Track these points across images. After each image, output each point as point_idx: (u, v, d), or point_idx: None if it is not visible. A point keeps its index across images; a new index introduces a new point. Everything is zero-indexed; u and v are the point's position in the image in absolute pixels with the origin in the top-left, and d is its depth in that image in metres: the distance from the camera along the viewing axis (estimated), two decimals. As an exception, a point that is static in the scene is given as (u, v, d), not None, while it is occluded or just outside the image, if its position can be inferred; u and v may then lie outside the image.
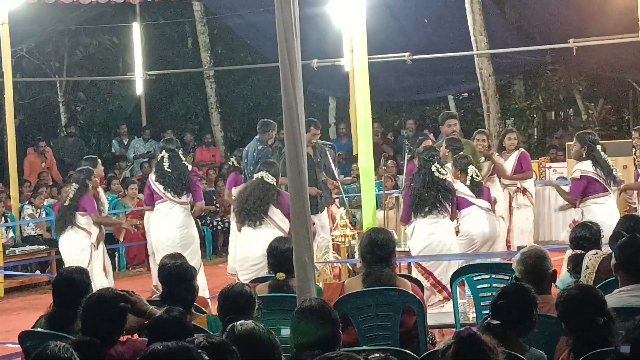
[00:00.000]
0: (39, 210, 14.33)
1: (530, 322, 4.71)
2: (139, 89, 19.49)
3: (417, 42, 17.97)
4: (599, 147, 9.89)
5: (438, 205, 9.24)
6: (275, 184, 9.76)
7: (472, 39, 16.82)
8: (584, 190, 9.73)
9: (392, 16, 17.62)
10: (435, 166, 9.34)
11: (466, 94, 21.15)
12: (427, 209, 9.22)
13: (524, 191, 11.87)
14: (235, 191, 11.34)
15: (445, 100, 20.65)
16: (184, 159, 11.05)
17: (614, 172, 9.85)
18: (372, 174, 9.39)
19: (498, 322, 4.59)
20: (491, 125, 17.15)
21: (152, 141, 19.90)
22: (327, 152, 11.63)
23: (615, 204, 10.00)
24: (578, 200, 9.84)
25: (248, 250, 9.65)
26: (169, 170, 10.80)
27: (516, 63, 18.46)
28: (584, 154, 9.85)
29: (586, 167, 9.77)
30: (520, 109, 18.92)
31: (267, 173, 9.75)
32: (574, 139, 10.30)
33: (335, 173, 11.52)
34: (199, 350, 3.52)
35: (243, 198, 9.81)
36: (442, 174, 9.35)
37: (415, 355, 4.96)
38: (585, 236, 6.97)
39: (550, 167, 14.20)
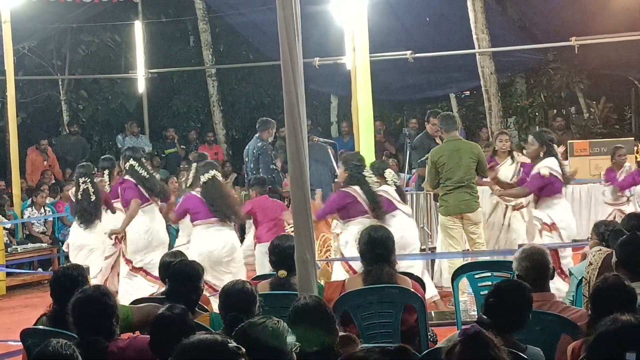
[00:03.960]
0: (42, 209, 14.32)
1: (524, 319, 4.68)
2: (141, 87, 19.53)
3: (418, 40, 17.98)
4: (556, 147, 9.83)
5: None
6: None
7: (474, 37, 16.83)
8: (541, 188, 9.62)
9: (394, 14, 17.61)
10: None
11: (468, 92, 21.13)
12: None
13: None
14: None
15: (447, 98, 20.64)
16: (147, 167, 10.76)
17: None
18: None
19: (489, 319, 4.58)
20: (493, 124, 17.18)
21: (142, 136, 19.95)
22: (329, 150, 11.66)
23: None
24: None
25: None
26: (146, 175, 10.48)
27: (518, 61, 18.45)
28: (541, 154, 9.67)
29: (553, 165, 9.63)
30: (522, 107, 18.91)
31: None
32: (531, 137, 10.00)
33: (337, 171, 11.54)
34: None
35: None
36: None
37: (416, 353, 4.96)
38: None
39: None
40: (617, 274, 5.12)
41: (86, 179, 10.66)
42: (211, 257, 9.42)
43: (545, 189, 9.58)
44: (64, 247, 11.57)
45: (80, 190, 10.66)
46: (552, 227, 9.45)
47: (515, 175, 10.97)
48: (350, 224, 9.19)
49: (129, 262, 10.36)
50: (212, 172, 9.68)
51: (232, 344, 3.49)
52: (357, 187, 9.14)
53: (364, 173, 9.20)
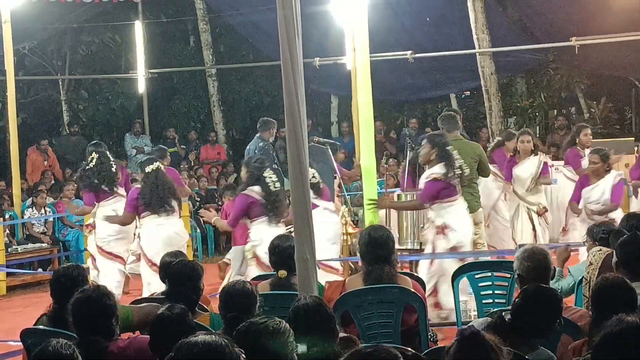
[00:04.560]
0: (43, 209, 14.30)
1: (548, 327, 4.65)
2: (141, 87, 19.53)
3: (419, 41, 17.98)
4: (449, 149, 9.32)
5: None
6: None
7: (474, 37, 16.83)
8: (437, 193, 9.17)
9: (395, 14, 17.61)
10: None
11: (468, 92, 21.14)
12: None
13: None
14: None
15: (448, 98, 20.64)
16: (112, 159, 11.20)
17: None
18: (374, 172, 9.39)
19: (509, 319, 4.57)
20: (493, 124, 17.18)
21: (144, 136, 19.94)
22: (328, 150, 11.62)
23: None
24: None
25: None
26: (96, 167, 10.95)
27: (518, 61, 18.45)
28: (432, 157, 9.27)
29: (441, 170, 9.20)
30: (522, 108, 18.92)
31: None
32: (424, 140, 9.57)
33: (337, 171, 11.51)
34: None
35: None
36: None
37: (416, 353, 4.95)
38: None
39: (552, 165, 14.14)
40: (617, 274, 5.12)
41: None
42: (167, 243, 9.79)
43: (440, 194, 9.16)
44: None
45: None
46: (442, 230, 9.22)
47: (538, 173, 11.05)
48: (254, 223, 9.53)
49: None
50: (156, 164, 10.16)
51: (231, 346, 3.49)
52: (256, 188, 9.49)
53: (264, 174, 9.57)
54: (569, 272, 6.75)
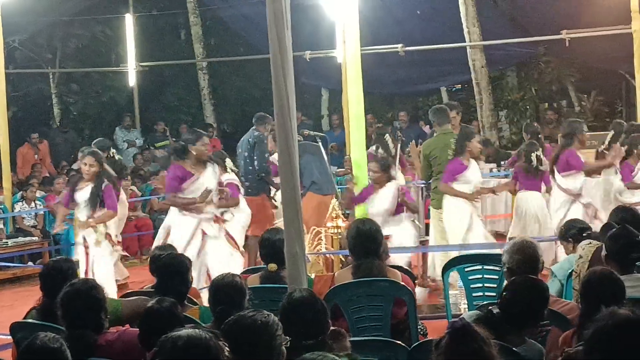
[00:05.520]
0: (33, 203, 14.27)
1: (536, 317, 4.68)
2: (132, 81, 19.51)
3: (410, 34, 17.97)
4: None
5: None
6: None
7: (465, 30, 16.84)
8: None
9: (385, 7, 17.61)
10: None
11: (459, 85, 21.17)
12: None
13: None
14: None
15: (438, 91, 20.67)
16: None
17: None
18: (365, 166, 9.40)
19: (499, 311, 4.59)
20: (484, 117, 17.19)
21: (134, 130, 19.91)
22: (319, 142, 11.61)
23: None
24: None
25: None
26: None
27: (509, 54, 18.47)
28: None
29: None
30: (513, 101, 18.95)
31: None
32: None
33: (328, 165, 11.50)
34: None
35: None
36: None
37: (406, 346, 4.97)
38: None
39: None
40: (605, 267, 5.14)
41: None
42: None
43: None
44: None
45: None
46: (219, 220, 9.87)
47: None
48: None
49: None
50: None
51: (214, 340, 3.49)
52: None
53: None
54: (552, 272, 6.74)
